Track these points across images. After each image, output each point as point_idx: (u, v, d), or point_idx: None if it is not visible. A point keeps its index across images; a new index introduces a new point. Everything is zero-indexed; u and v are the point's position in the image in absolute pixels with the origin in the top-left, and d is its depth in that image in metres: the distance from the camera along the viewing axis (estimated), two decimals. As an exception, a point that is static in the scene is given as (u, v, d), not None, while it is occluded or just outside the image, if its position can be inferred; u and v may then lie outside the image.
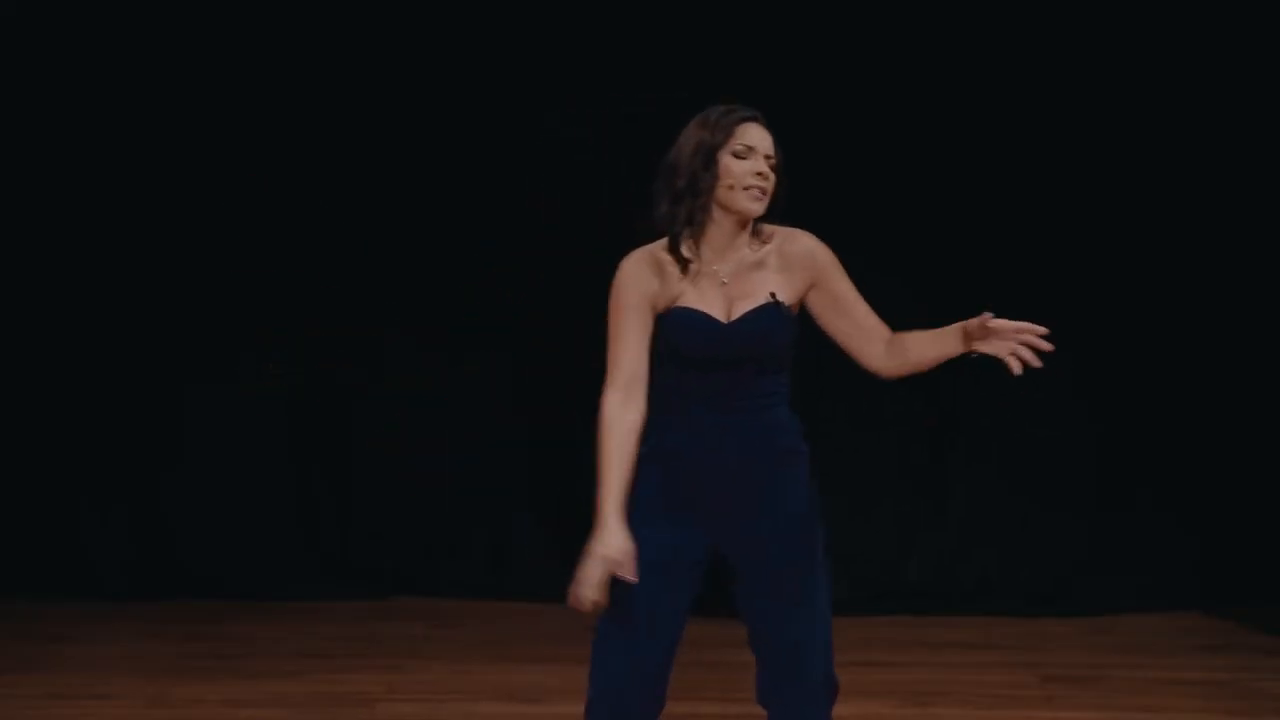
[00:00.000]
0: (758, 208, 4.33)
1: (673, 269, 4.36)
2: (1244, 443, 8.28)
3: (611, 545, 4.24)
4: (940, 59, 8.19)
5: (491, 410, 8.46)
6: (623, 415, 4.31)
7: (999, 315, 8.07)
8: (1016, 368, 4.30)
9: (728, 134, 4.33)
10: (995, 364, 8.08)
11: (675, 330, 4.32)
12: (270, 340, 8.43)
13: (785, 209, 4.43)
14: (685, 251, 4.36)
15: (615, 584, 4.25)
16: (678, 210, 4.35)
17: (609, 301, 4.38)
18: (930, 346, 4.38)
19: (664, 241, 4.37)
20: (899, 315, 8.07)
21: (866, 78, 8.22)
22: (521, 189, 8.32)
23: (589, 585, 4.22)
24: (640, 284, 4.36)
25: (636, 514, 4.31)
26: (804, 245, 4.41)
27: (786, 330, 4.37)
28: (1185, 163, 8.22)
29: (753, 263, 4.37)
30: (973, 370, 8.09)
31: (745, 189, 4.31)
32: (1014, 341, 4.32)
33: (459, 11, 8.25)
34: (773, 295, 4.33)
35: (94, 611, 8.14)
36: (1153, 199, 8.24)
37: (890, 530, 8.34)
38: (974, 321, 4.27)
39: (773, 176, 4.35)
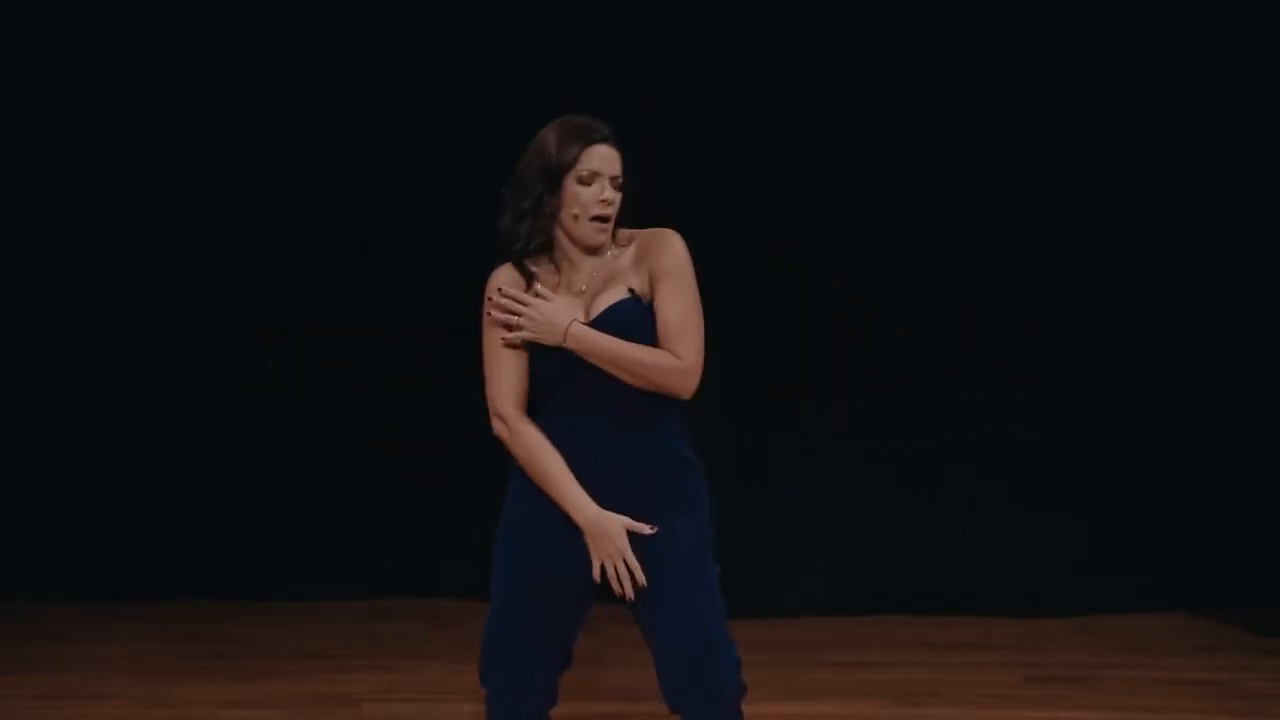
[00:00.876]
0: (602, 238, 4.33)
1: (532, 285, 4.35)
2: (1240, 443, 8.28)
3: (613, 528, 4.30)
4: (936, 57, 8.19)
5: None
6: (529, 427, 4.36)
7: (996, 314, 8.14)
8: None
9: (574, 158, 4.31)
10: (990, 364, 8.19)
11: (537, 353, 4.32)
12: (270, 340, 8.45)
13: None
14: (534, 267, 4.37)
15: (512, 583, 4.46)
16: (519, 229, 4.36)
17: (483, 312, 4.39)
18: None
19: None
20: (898, 312, 8.21)
21: (863, 76, 8.22)
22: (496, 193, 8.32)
23: (633, 565, 4.30)
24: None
25: (519, 526, 4.44)
26: (661, 242, 4.37)
27: (650, 323, 4.31)
28: (1185, 162, 8.21)
29: (610, 268, 4.36)
30: (968, 369, 8.24)
31: (590, 219, 4.31)
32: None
33: (459, 12, 8.26)
34: (631, 290, 4.31)
35: (93, 611, 8.16)
36: (1150, 197, 8.23)
37: (884, 530, 8.34)
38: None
39: (617, 198, 4.33)
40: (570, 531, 4.37)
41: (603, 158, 4.32)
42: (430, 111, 8.34)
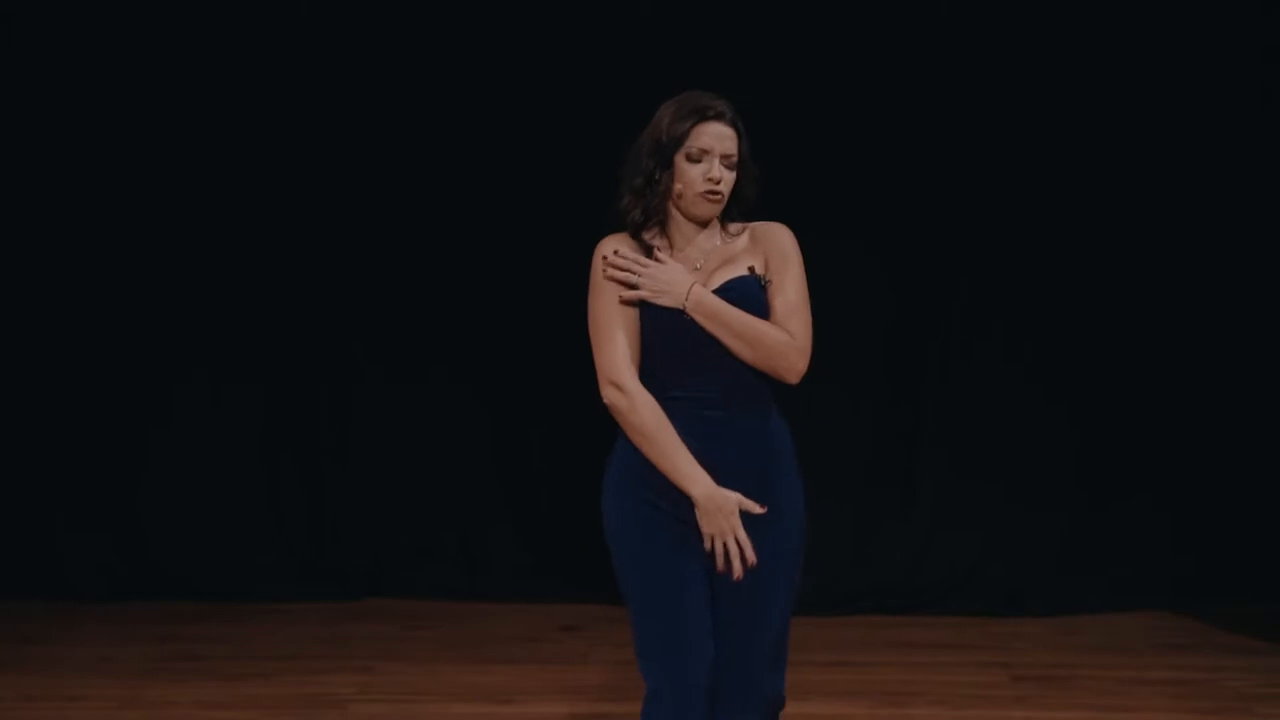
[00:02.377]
0: (711, 211, 4.33)
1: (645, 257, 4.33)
2: (1220, 443, 8.29)
3: (728, 504, 4.24)
4: (924, 45, 8.17)
5: (464, 413, 8.46)
6: (648, 397, 4.28)
7: (976, 313, 8.14)
8: None
9: (684, 134, 4.31)
10: (968, 363, 8.20)
11: (654, 313, 4.28)
12: (245, 343, 8.41)
13: (762, 202, 4.42)
14: (650, 240, 4.36)
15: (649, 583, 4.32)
16: (636, 205, 4.35)
17: (590, 288, 4.35)
18: None
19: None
20: (879, 310, 8.22)
21: (851, 64, 8.20)
22: (499, 200, 8.31)
23: (744, 542, 4.25)
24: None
25: (632, 518, 4.33)
26: (775, 232, 4.41)
27: (766, 303, 4.32)
28: (1173, 161, 8.21)
29: (726, 251, 4.37)
30: (946, 369, 8.24)
31: (697, 194, 4.30)
32: None
33: (450, 17, 8.23)
34: (751, 269, 4.31)
35: (67, 613, 8.11)
36: (1136, 195, 8.23)
37: (861, 530, 8.34)
38: None
39: (728, 177, 4.33)
40: (687, 510, 4.32)
41: (714, 135, 4.32)
42: (413, 114, 8.31)
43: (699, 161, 4.30)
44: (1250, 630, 7.78)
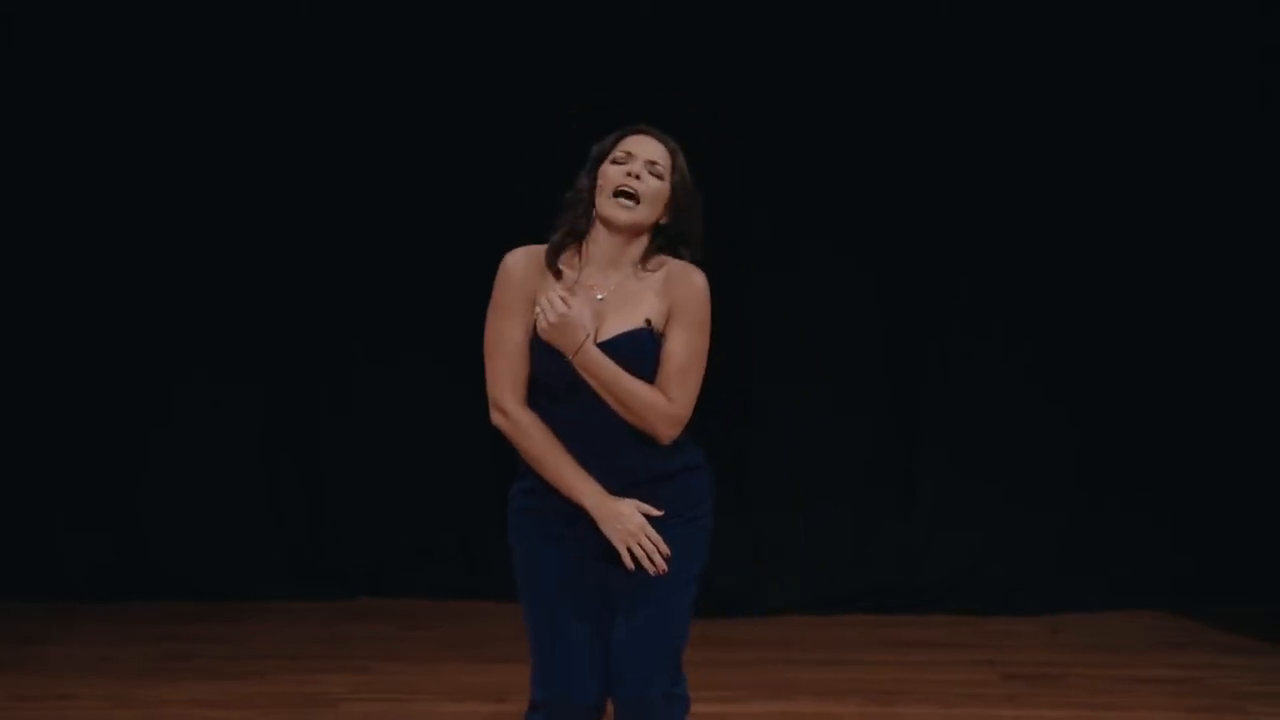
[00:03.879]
0: (623, 215, 4.24)
1: (554, 277, 4.27)
2: (1214, 444, 8.30)
3: (629, 516, 4.24)
4: (920, 52, 8.22)
5: (464, 413, 8.46)
6: (533, 413, 4.27)
7: (974, 315, 8.15)
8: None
9: (613, 143, 4.31)
10: (968, 363, 8.20)
11: (536, 352, 4.23)
12: (245, 343, 8.44)
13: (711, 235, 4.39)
14: (563, 264, 4.29)
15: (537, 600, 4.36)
16: (563, 218, 4.32)
17: (492, 295, 4.31)
18: None
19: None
20: (878, 312, 8.23)
21: (847, 71, 8.24)
22: (498, 201, 8.31)
23: (655, 540, 4.26)
24: (523, 284, 4.28)
25: (531, 538, 4.34)
26: (687, 279, 4.29)
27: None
28: (1172, 162, 8.24)
29: (635, 288, 4.28)
30: (945, 369, 8.25)
31: (614, 193, 4.24)
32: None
33: (439, 22, 8.25)
34: (648, 321, 4.23)
35: (65, 612, 8.14)
36: (1133, 197, 8.27)
37: (861, 530, 8.35)
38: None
39: (651, 183, 4.27)
40: (586, 525, 4.31)
41: (640, 143, 4.31)
42: (413, 115, 8.34)
43: (622, 164, 4.28)
44: (1245, 629, 7.78)
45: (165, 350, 8.40)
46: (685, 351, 4.24)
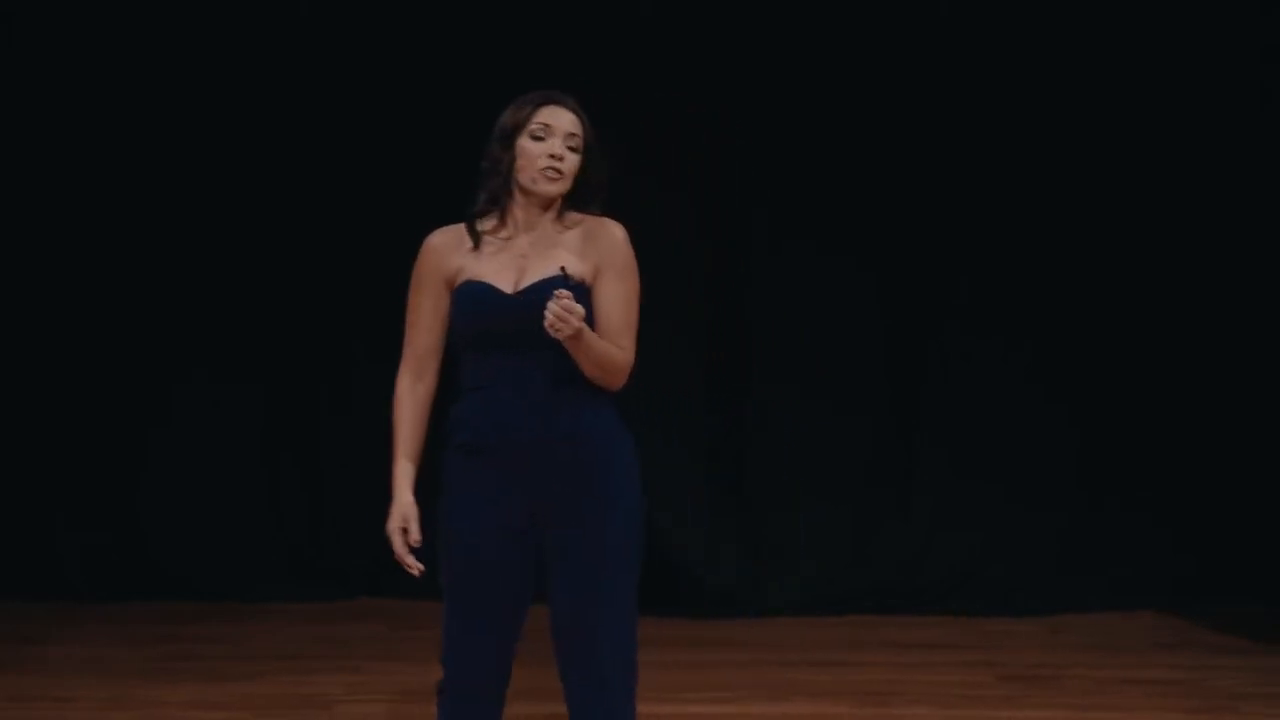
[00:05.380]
0: (552, 189, 4.33)
1: (475, 244, 4.37)
2: (1213, 445, 8.30)
3: (395, 515, 4.44)
4: (918, 53, 8.21)
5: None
6: (413, 388, 4.47)
7: (973, 315, 8.16)
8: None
9: (527, 116, 4.35)
10: (967, 363, 8.20)
11: (458, 303, 4.35)
12: (245, 343, 8.45)
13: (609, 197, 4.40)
14: (482, 227, 4.38)
15: (456, 578, 4.37)
16: (481, 190, 4.39)
17: (411, 278, 4.46)
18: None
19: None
20: (877, 312, 8.23)
21: (846, 72, 8.23)
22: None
23: (401, 556, 4.44)
24: (438, 260, 4.42)
25: (456, 508, 4.36)
26: (609, 233, 4.38)
27: (580, 306, 4.21)
28: (1172, 162, 8.23)
29: (552, 240, 4.37)
30: (945, 369, 8.26)
31: (539, 170, 4.31)
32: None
33: (437, 13, 8.26)
34: (563, 268, 4.28)
35: (65, 612, 8.15)
36: (1132, 197, 8.26)
37: (861, 530, 8.35)
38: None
39: (571, 157, 4.33)
40: (515, 511, 4.34)
41: (556, 115, 4.36)
42: (414, 114, 8.34)
43: (541, 139, 4.33)
44: (1241, 630, 7.77)
45: (165, 350, 8.41)
46: (624, 302, 4.34)
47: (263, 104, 8.32)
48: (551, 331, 4.13)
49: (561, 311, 4.11)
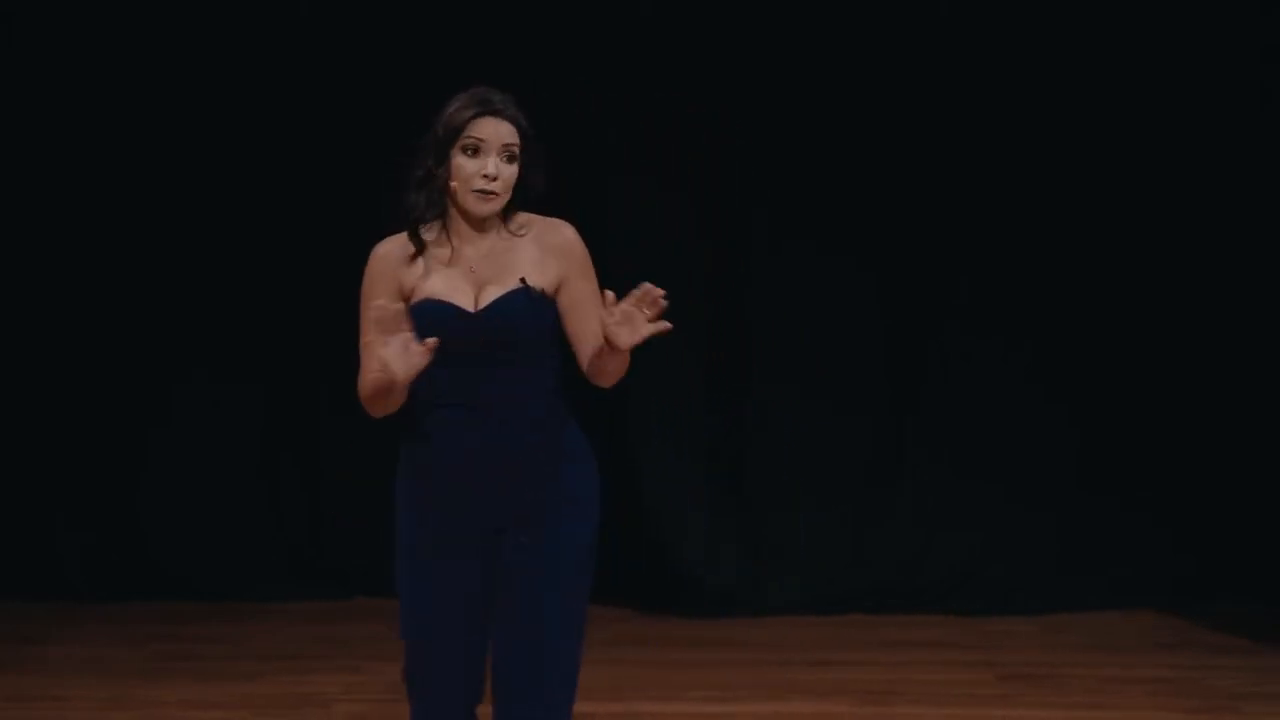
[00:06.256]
0: (485, 209, 4.19)
1: (421, 257, 4.23)
2: (1211, 443, 8.29)
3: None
4: (918, 53, 8.19)
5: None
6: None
7: (971, 314, 8.16)
8: (646, 330, 4.02)
9: (460, 128, 4.20)
10: (967, 363, 8.20)
11: (417, 323, 4.09)
12: (245, 343, 8.46)
13: (549, 195, 4.29)
14: (427, 237, 4.24)
15: (417, 596, 4.29)
16: (418, 198, 4.24)
17: (361, 291, 4.27)
18: (604, 353, 4.16)
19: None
20: (876, 311, 8.24)
21: (846, 72, 8.22)
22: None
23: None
24: (390, 268, 4.25)
25: (415, 527, 4.29)
26: (564, 236, 4.28)
27: (541, 318, 4.20)
28: (1172, 162, 8.21)
29: (505, 249, 4.24)
30: (945, 369, 8.26)
31: (471, 191, 4.18)
32: (641, 311, 4.02)
33: (449, 21, 8.26)
34: (523, 280, 4.19)
35: (64, 612, 8.16)
36: (1132, 198, 8.24)
37: (860, 530, 8.35)
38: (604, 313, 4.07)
39: (506, 171, 4.19)
40: (467, 523, 4.26)
41: (490, 128, 4.19)
42: (415, 114, 8.28)
43: (474, 156, 4.18)
44: (1240, 630, 7.77)
45: (165, 350, 8.41)
46: (597, 299, 4.19)
47: (263, 104, 8.32)
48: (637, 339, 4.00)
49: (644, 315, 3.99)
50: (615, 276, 7.71)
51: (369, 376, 4.21)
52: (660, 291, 4.00)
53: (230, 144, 8.33)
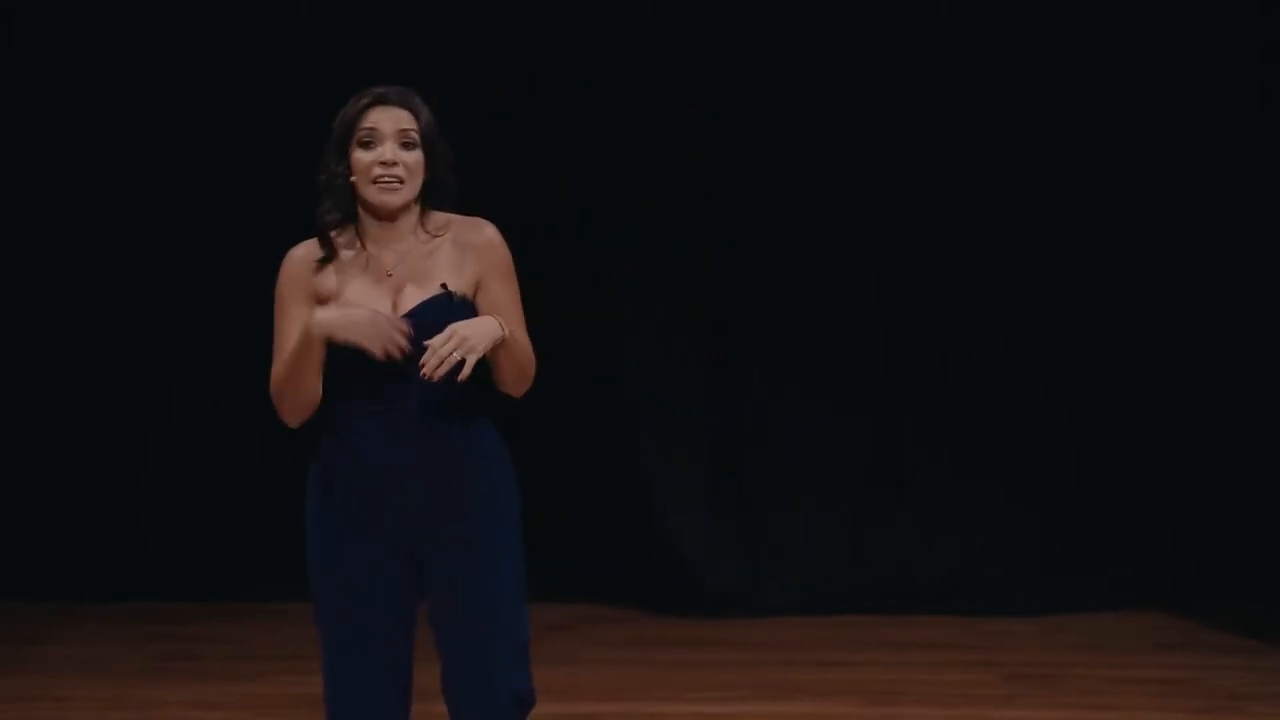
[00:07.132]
0: (392, 199, 4.08)
1: (335, 262, 4.11)
2: (1212, 443, 8.29)
3: (357, 314, 3.98)
4: (917, 53, 8.20)
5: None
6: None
7: (970, 314, 8.13)
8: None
9: (353, 121, 4.10)
10: (967, 363, 8.20)
11: (340, 348, 3.97)
12: (244, 342, 8.42)
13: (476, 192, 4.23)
14: (340, 242, 4.12)
15: (333, 615, 4.12)
16: (325, 203, 4.12)
17: (274, 298, 4.18)
18: (496, 363, 4.06)
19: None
20: (875, 312, 8.24)
21: (845, 73, 8.23)
22: (496, 200, 8.28)
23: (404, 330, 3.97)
24: (304, 274, 4.15)
25: (325, 531, 4.11)
26: (484, 236, 4.15)
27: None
28: (1172, 162, 8.22)
29: (423, 253, 4.12)
30: (945, 369, 8.26)
31: (371, 181, 4.07)
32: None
33: (449, 21, 8.26)
34: (444, 286, 4.07)
35: (64, 612, 8.17)
36: (1132, 197, 8.25)
37: (860, 530, 8.35)
38: None
39: (407, 157, 4.08)
40: (388, 526, 4.13)
41: (383, 116, 4.09)
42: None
43: (370, 147, 4.08)
44: (1243, 630, 7.76)
45: (165, 350, 8.42)
46: (514, 304, 4.13)
47: (263, 104, 8.32)
48: (443, 371, 3.89)
49: (445, 354, 3.89)
50: (615, 276, 7.81)
51: (283, 357, 4.10)
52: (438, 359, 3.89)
53: (230, 144, 8.33)
